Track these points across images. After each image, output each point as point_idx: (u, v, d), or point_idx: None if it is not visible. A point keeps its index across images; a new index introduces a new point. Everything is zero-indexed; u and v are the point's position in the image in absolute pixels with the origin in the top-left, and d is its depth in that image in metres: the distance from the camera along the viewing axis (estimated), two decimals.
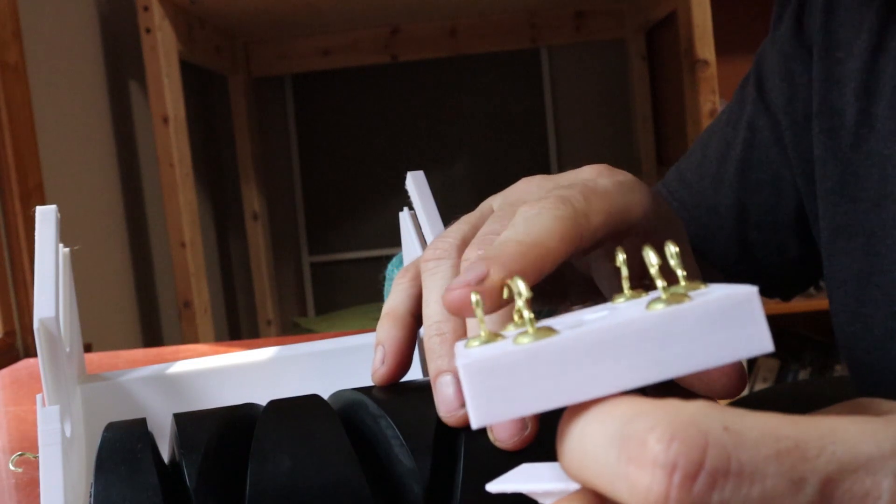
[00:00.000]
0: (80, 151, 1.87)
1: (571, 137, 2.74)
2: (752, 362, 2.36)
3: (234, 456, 0.31)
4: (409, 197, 0.51)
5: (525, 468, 0.24)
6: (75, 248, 0.47)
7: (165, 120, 1.87)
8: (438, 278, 0.34)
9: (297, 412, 0.33)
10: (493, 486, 0.22)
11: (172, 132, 1.87)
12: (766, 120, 0.60)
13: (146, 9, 1.84)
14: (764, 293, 0.66)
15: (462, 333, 0.33)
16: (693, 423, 0.18)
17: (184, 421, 0.32)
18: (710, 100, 1.96)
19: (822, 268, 0.59)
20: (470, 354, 0.21)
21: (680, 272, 0.22)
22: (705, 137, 0.66)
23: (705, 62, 1.94)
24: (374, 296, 2.65)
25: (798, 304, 2.05)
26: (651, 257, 0.22)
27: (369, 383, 0.49)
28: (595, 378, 0.20)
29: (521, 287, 0.22)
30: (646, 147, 2.55)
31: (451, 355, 0.32)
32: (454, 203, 2.86)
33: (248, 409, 0.34)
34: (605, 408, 0.20)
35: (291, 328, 2.74)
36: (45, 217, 0.44)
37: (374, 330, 0.54)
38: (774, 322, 2.31)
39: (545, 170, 2.76)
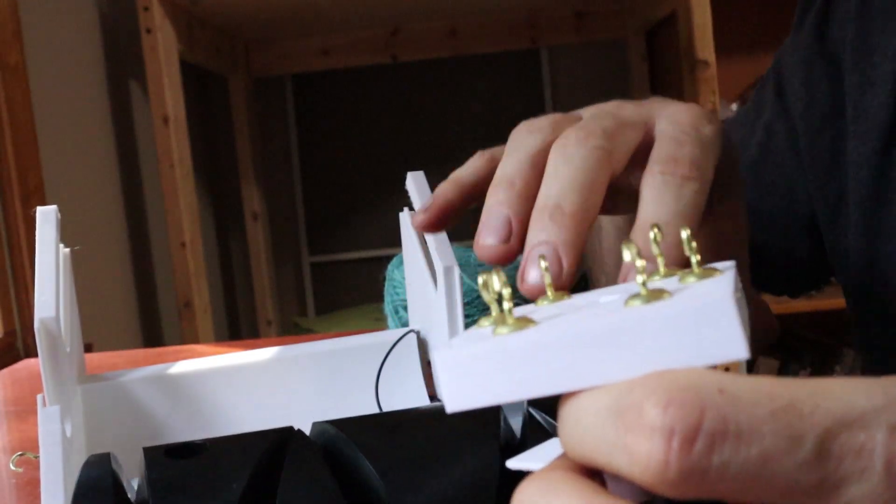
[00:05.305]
0: (81, 152, 1.87)
1: None
2: (752, 362, 2.36)
3: None
4: (409, 197, 0.51)
5: (547, 445, 0.24)
6: (76, 248, 0.47)
7: (166, 120, 1.87)
8: (528, 142, 0.34)
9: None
10: (512, 464, 0.23)
11: (173, 132, 1.87)
12: (783, 124, 0.60)
13: (146, 9, 1.84)
14: (772, 290, 0.66)
15: (532, 194, 0.32)
16: (688, 387, 0.18)
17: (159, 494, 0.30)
18: (711, 100, 1.96)
19: (830, 270, 0.59)
20: (452, 345, 0.22)
21: (693, 258, 0.22)
22: None
23: (706, 63, 1.94)
24: (374, 296, 2.65)
25: (798, 305, 2.04)
26: (628, 254, 0.22)
27: (369, 383, 0.49)
28: (563, 372, 0.20)
29: (496, 284, 0.23)
30: None
31: (512, 201, 0.32)
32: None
33: (228, 483, 0.31)
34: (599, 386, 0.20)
35: (291, 328, 2.74)
36: (46, 217, 0.44)
37: (373, 330, 0.54)
38: None
39: None
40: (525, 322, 0.22)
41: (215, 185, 2.67)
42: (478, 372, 0.21)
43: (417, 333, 0.51)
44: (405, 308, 0.66)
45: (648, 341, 0.20)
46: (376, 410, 0.48)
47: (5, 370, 0.84)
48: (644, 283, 0.21)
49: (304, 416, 0.43)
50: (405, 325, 0.64)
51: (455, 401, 0.21)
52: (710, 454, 0.18)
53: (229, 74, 2.51)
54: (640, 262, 0.22)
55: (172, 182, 1.88)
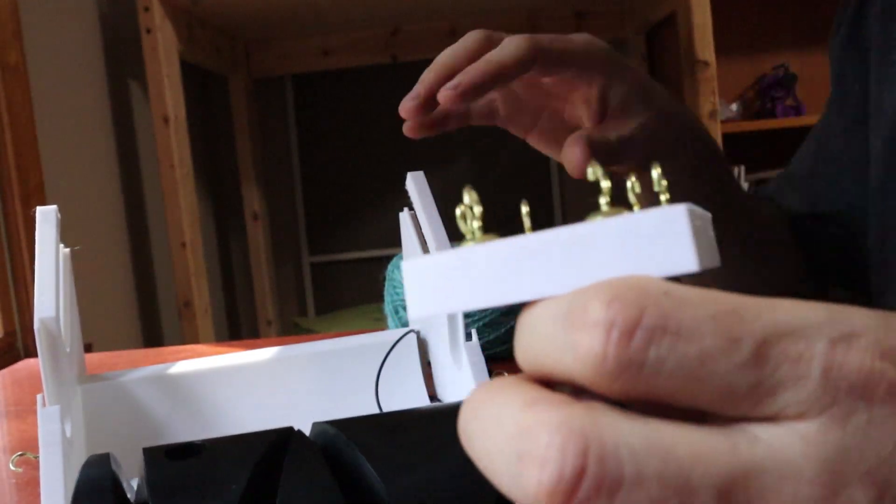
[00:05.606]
0: (81, 152, 1.87)
1: None
2: None
3: None
4: (409, 197, 0.51)
5: None
6: (76, 248, 0.47)
7: (166, 120, 1.87)
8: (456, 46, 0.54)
9: None
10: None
11: (173, 132, 1.87)
12: (829, 128, 0.63)
13: (147, 9, 1.84)
14: (849, 285, 0.67)
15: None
16: (634, 288, 0.19)
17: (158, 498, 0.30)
18: (710, 101, 1.96)
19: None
20: (422, 257, 0.23)
21: (663, 197, 0.23)
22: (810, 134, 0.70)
23: (705, 63, 1.94)
24: (374, 296, 2.65)
25: None
26: (591, 173, 0.23)
27: (369, 383, 0.49)
28: (520, 282, 0.21)
29: (467, 199, 0.24)
30: None
31: (425, 80, 0.53)
32: (454, 203, 2.86)
33: (227, 483, 0.31)
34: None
35: (291, 328, 2.74)
36: (46, 217, 0.44)
37: (373, 330, 0.54)
38: None
39: (544, 169, 2.76)
40: (492, 237, 0.23)
41: (215, 185, 2.67)
42: (441, 280, 0.22)
43: (417, 333, 0.52)
44: (405, 308, 0.66)
45: (603, 250, 0.20)
46: (376, 410, 0.48)
47: (5, 370, 0.84)
48: (607, 203, 0.22)
49: (304, 416, 0.43)
50: (405, 325, 0.64)
51: (418, 307, 0.22)
52: (647, 348, 0.18)
53: (229, 74, 2.51)
54: (605, 184, 0.22)
55: (172, 182, 1.88)
